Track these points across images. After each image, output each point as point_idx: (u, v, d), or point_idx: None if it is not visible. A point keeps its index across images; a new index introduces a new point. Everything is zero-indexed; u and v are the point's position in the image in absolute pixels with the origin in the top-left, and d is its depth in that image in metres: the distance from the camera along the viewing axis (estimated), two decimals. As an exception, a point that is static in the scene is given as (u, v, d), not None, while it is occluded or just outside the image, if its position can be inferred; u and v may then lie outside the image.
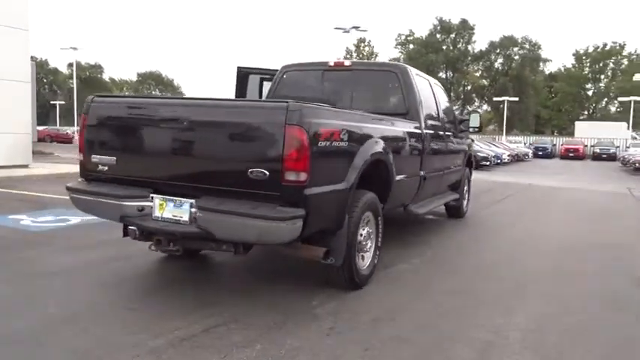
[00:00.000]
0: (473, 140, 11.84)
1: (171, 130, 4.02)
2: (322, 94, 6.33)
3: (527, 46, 67.58)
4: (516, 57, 67.75)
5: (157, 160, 4.15)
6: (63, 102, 68.12)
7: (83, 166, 4.45)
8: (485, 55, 69.33)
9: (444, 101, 7.51)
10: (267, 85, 7.64)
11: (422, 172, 6.15)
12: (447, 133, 7.23)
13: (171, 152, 4.05)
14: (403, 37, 72.09)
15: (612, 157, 37.82)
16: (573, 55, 75.95)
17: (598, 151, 39.69)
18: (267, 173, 3.63)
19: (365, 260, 4.69)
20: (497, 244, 6.98)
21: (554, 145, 44.72)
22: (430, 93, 6.76)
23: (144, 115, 4.25)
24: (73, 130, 53.50)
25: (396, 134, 5.38)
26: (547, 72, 72.58)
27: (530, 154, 38.49)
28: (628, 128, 48.75)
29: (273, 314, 3.96)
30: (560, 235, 7.67)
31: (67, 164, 17.46)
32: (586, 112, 73.86)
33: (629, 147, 39.68)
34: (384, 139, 4.84)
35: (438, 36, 70.00)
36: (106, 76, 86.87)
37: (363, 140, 4.43)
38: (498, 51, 68.86)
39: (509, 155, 30.02)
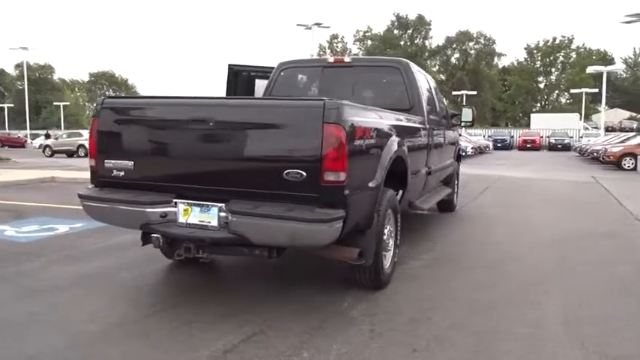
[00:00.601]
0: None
1: (195, 131, 3.83)
2: (323, 91, 6.24)
3: (482, 40, 69.21)
4: (472, 52, 69.27)
5: (179, 163, 3.96)
6: (12, 105, 65.30)
7: (95, 172, 4.20)
8: (442, 51, 70.60)
9: (439, 96, 7.53)
10: (258, 83, 7.49)
11: (427, 167, 6.14)
12: (443, 127, 7.26)
13: (196, 155, 3.87)
14: (361, 34, 72.61)
15: (567, 147, 39.16)
16: (525, 49, 78.23)
17: (553, 141, 40.97)
18: (304, 174, 3.51)
19: (387, 259, 4.63)
20: (496, 238, 7.04)
21: (512, 136, 45.92)
22: (428, 88, 6.75)
23: (164, 117, 4.05)
24: (25, 134, 51.45)
25: (411, 130, 5.35)
26: (501, 66, 74.50)
27: (491, 146, 39.37)
28: (580, 119, 50.58)
29: (307, 318, 3.86)
30: (550, 227, 7.82)
31: (28, 169, 16.75)
32: (539, 105, 76.26)
33: (582, 137, 41.22)
34: (402, 135, 4.79)
35: (396, 32, 70.87)
36: (56, 77, 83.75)
37: (388, 137, 4.37)
38: (455, 46, 70.20)
39: (472, 148, 30.61)
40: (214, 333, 3.59)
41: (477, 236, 7.16)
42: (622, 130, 46.00)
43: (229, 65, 7.63)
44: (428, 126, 6.11)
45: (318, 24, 36.97)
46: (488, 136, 45.72)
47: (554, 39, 76.34)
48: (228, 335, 3.55)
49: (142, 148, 4.06)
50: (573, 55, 75.55)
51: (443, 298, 4.44)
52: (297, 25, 37.48)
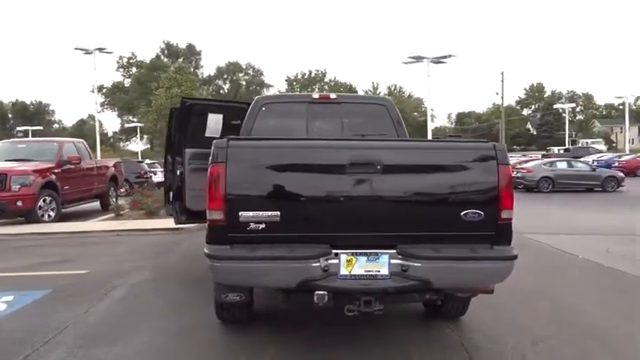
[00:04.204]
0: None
1: (358, 175, 3.55)
2: (309, 127, 6.17)
3: (251, 72, 72.50)
4: (243, 82, 71.91)
5: (336, 210, 3.60)
6: None
7: (222, 228, 3.51)
8: (214, 80, 71.68)
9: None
10: (211, 117, 6.95)
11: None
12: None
13: (359, 200, 3.58)
14: (125, 60, 69.21)
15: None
16: (286, 80, 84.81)
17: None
18: (482, 214, 3.59)
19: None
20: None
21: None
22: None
23: (317, 161, 3.62)
24: None
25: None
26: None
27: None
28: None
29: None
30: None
31: None
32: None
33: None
34: None
35: (166, 60, 69.36)
36: None
37: None
38: (225, 76, 71.99)
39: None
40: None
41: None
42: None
43: (183, 99, 6.92)
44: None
45: (100, 49, 34.11)
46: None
47: (310, 72, 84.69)
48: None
49: (291, 195, 3.57)
50: (327, 87, 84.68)
51: (524, 318, 4.84)
52: (76, 49, 33.97)
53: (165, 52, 69.21)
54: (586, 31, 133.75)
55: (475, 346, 4.13)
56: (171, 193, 8.03)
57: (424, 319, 4.78)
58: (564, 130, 65.46)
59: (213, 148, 3.60)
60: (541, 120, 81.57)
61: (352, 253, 3.56)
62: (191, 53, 69.44)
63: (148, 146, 68.81)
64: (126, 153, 58.78)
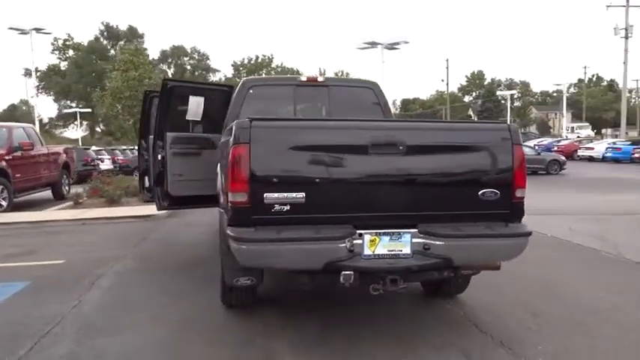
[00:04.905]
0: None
1: (381, 156, 3.57)
2: (297, 110, 6.14)
3: (196, 56, 70.77)
4: (188, 66, 70.14)
5: (359, 191, 3.61)
6: None
7: (245, 210, 3.44)
8: (158, 64, 69.42)
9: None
10: (192, 100, 6.76)
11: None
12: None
13: (382, 180, 3.60)
14: (61, 42, 65.85)
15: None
16: (232, 65, 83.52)
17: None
18: (498, 192, 3.71)
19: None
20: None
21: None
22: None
23: (339, 141, 3.60)
24: None
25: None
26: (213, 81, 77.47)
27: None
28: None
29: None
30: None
31: None
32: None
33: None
34: None
35: (105, 42, 66.59)
36: None
37: None
38: (170, 60, 69.97)
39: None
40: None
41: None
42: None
43: (164, 81, 6.68)
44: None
45: (38, 29, 32.35)
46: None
47: (257, 57, 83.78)
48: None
49: (315, 176, 3.53)
50: (273, 72, 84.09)
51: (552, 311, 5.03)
52: (10, 28, 32.05)
53: (105, 34, 66.32)
54: (523, 22, 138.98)
55: (482, 321, 4.27)
56: (146, 179, 7.80)
57: (425, 298, 4.88)
58: (503, 117, 68.10)
59: (234, 128, 3.52)
60: (482, 107, 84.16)
61: (376, 233, 3.59)
62: (133, 36, 66.72)
63: (88, 133, 66.16)
64: (63, 140, 56.12)
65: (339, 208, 3.60)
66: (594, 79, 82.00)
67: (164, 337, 4.05)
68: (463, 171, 3.75)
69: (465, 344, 3.82)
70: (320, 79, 6.44)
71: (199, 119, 6.85)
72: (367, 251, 3.58)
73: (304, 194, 3.47)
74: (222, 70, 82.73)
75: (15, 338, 4.01)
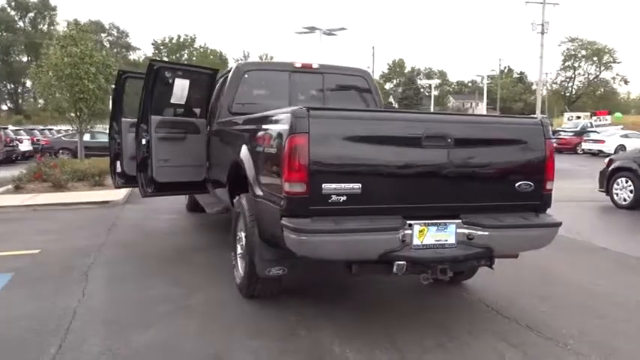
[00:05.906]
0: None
1: (430, 148, 3.63)
2: (292, 95, 6.12)
3: (115, 32, 67.17)
4: (106, 43, 66.31)
5: (409, 182, 3.67)
6: None
7: (302, 200, 3.39)
8: (72, 39, 65.13)
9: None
10: (177, 83, 6.47)
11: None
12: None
13: (429, 172, 3.68)
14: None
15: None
16: (152, 44, 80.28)
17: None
18: (532, 185, 3.91)
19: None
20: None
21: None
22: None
23: (393, 133, 3.62)
24: None
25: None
26: (133, 59, 74.02)
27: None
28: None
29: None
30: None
31: None
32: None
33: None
34: None
35: (13, 13, 61.49)
36: None
37: None
38: (86, 35, 65.74)
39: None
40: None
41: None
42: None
43: (150, 61, 6.32)
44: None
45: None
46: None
47: (179, 37, 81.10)
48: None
49: (371, 167, 3.54)
50: (195, 53, 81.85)
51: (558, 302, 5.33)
52: None
53: (12, 4, 61.16)
54: (445, 14, 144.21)
55: (500, 306, 4.49)
56: (117, 163, 7.40)
57: (434, 287, 4.94)
58: (423, 104, 70.75)
59: (291, 117, 3.45)
60: (402, 94, 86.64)
61: (424, 224, 3.66)
62: (45, 8, 62.17)
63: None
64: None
65: (390, 199, 3.64)
66: (506, 70, 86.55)
67: (199, 329, 3.93)
68: (503, 164, 3.92)
69: (496, 329, 4.01)
70: (315, 65, 6.41)
71: (183, 102, 6.59)
72: (416, 241, 3.65)
73: (360, 185, 3.48)
74: (142, 48, 79.30)
75: (37, 335, 3.73)
